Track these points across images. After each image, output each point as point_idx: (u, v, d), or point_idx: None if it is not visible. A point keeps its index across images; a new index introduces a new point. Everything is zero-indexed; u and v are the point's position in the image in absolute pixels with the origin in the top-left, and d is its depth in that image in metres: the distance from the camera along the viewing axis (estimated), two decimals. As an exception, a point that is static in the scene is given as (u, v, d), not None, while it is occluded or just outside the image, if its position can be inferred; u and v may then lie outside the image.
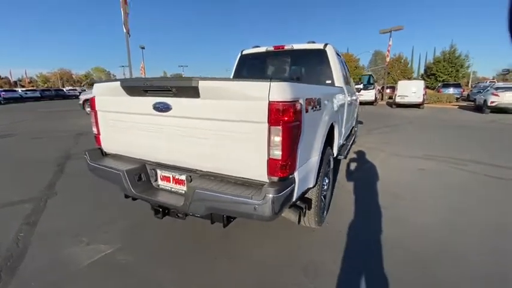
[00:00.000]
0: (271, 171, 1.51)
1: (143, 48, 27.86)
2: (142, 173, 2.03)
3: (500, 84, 14.89)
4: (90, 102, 2.21)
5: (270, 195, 1.42)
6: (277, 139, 1.44)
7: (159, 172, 2.00)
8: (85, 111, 12.53)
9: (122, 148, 2.16)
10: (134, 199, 2.12)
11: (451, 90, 21.64)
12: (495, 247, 2.18)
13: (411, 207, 2.90)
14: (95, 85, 2.17)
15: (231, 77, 4.05)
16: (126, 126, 2.03)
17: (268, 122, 1.43)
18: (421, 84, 15.90)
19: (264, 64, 3.90)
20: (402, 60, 44.13)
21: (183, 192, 1.89)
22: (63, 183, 3.73)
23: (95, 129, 2.25)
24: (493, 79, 44.82)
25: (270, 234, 2.38)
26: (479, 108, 13.32)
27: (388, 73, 44.93)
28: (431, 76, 33.59)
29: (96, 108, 2.17)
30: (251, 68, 3.98)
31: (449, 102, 19.27)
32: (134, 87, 1.83)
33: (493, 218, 2.65)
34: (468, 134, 7.52)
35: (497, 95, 11.70)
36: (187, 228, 2.47)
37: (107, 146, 2.25)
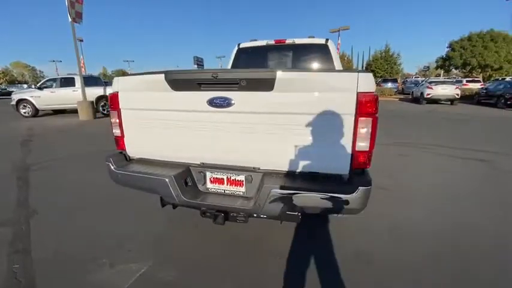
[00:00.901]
0: (355, 163, 1.50)
1: (81, 40, 24.64)
2: (188, 177, 1.81)
3: (433, 78, 17.49)
4: (110, 99, 1.86)
5: (364, 188, 1.41)
6: (365, 130, 1.43)
7: (208, 174, 1.81)
8: (20, 113, 10.59)
9: (155, 151, 1.89)
10: (174, 207, 1.89)
11: (389, 85, 24.50)
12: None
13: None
14: (117, 79, 1.84)
15: (229, 66, 3.88)
16: (165, 126, 1.78)
17: (356, 113, 1.41)
18: None
19: (265, 58, 3.83)
20: (345, 58, 48.33)
21: (241, 193, 1.76)
22: (38, 199, 3.09)
23: (116, 131, 1.92)
24: (416, 75, 52.42)
25: (282, 227, 2.37)
26: (417, 100, 15.44)
27: (335, 70, 48.52)
28: (371, 72, 37.47)
29: (120, 106, 1.85)
30: (250, 61, 3.87)
31: (390, 95, 21.84)
32: (187, 81, 1.61)
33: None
34: (417, 122, 8.69)
35: (431, 88, 13.75)
36: (214, 232, 2.30)
37: (134, 149, 1.94)
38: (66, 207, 2.87)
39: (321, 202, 1.47)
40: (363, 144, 1.46)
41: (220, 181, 1.80)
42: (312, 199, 1.48)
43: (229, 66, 3.92)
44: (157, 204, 1.99)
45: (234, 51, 3.90)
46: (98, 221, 2.57)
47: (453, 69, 31.90)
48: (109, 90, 10.97)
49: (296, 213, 1.66)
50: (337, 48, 26.33)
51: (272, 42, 3.71)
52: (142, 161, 1.95)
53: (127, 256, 2.04)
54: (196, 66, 50.25)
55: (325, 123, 1.49)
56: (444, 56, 31.04)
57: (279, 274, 1.82)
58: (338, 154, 1.52)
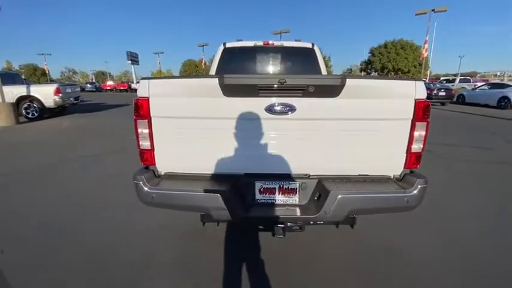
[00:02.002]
0: (409, 164, 1.63)
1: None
2: (237, 191, 1.67)
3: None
4: (139, 106, 1.55)
5: (421, 186, 1.55)
6: (421, 134, 1.57)
7: (258, 185, 1.70)
8: None
9: (193, 164, 1.67)
10: (217, 222, 1.71)
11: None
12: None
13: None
14: (146, 82, 1.54)
15: (214, 70, 3.69)
16: (210, 135, 1.60)
17: (414, 118, 1.53)
18: None
19: (253, 59, 3.75)
20: None
21: (294, 201, 1.71)
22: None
23: (145, 143, 1.62)
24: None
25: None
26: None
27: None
28: (309, 73, 40.68)
29: (152, 114, 1.57)
30: (238, 62, 3.74)
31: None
32: (247, 86, 1.46)
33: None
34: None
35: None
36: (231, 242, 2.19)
37: (165, 164, 1.68)
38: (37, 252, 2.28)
39: (384, 202, 1.55)
40: (417, 146, 1.59)
41: (271, 191, 1.71)
42: (376, 200, 1.54)
43: (214, 66, 3.72)
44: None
45: (220, 51, 3.71)
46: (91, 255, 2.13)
47: (373, 72, 37.14)
48: (35, 89, 9.14)
49: (354, 216, 1.71)
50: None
51: (260, 43, 3.67)
52: (175, 177, 1.70)
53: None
54: (130, 62, 45.87)
55: (384, 127, 1.57)
56: (366, 60, 35.86)
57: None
58: (393, 156, 1.63)
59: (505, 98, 13.45)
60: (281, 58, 3.76)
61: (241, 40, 3.80)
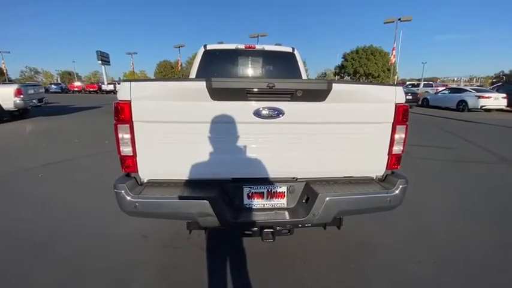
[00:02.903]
0: (390, 165, 1.70)
1: None
2: (225, 196, 1.63)
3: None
4: (119, 109, 1.46)
5: (402, 186, 1.63)
6: (401, 136, 1.65)
7: (246, 190, 1.68)
8: None
9: (178, 170, 1.61)
10: (204, 229, 1.66)
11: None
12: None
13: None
14: (127, 85, 1.46)
15: (194, 72, 3.61)
16: (195, 140, 1.55)
17: (394, 121, 1.61)
18: None
19: (235, 62, 3.73)
20: None
21: (282, 205, 1.72)
22: None
23: (126, 149, 1.53)
24: (319, 80, 61.09)
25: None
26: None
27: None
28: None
29: (134, 119, 1.48)
30: (219, 64, 3.70)
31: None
32: (235, 90, 1.44)
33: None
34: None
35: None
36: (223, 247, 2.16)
37: (148, 170, 1.60)
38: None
39: (369, 202, 1.61)
40: (397, 148, 1.67)
41: (259, 195, 1.70)
42: (362, 201, 1.59)
43: (194, 69, 3.65)
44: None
45: (200, 53, 3.65)
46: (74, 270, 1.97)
47: (346, 76, 38.80)
48: None
49: (341, 217, 1.75)
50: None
51: (242, 46, 3.66)
52: (158, 184, 1.63)
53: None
54: (100, 62, 43.61)
55: (367, 131, 1.63)
56: (340, 65, 37.38)
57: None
58: (376, 158, 1.69)
59: (463, 101, 14.70)
60: (262, 62, 3.78)
61: (222, 43, 3.77)
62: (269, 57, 3.76)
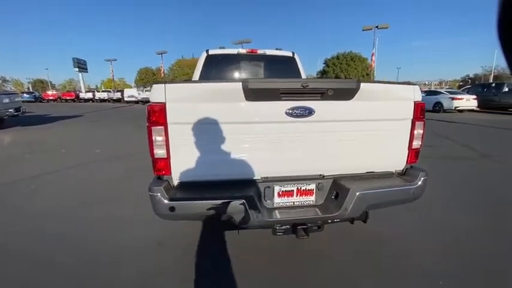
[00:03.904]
0: (410, 159, 1.80)
1: None
2: (259, 195, 1.65)
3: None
4: (153, 112, 1.45)
5: (424, 178, 1.73)
6: (419, 132, 1.76)
7: (277, 188, 1.71)
8: None
9: (211, 170, 1.61)
10: (237, 229, 1.67)
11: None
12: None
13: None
14: (162, 87, 1.46)
15: (197, 77, 3.61)
16: (230, 140, 1.57)
17: (413, 118, 1.72)
18: None
19: (237, 67, 3.78)
20: None
21: (311, 202, 1.77)
22: None
23: (160, 152, 1.51)
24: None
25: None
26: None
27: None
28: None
29: (169, 121, 1.48)
30: (222, 69, 3.73)
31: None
32: (270, 90, 1.48)
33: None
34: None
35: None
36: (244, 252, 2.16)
37: (182, 172, 1.58)
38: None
39: (395, 195, 1.70)
40: (417, 143, 1.78)
41: (289, 194, 1.73)
42: (389, 194, 1.68)
43: (197, 73, 3.64)
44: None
45: (203, 58, 3.65)
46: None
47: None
48: None
49: (367, 211, 1.82)
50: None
51: (244, 51, 3.72)
52: (191, 185, 1.62)
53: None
54: (77, 69, 41.99)
55: (388, 127, 1.73)
56: (321, 70, 38.55)
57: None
58: (397, 153, 1.79)
59: (439, 103, 15.66)
60: (264, 66, 3.85)
61: (224, 48, 3.80)
62: (271, 62, 3.84)
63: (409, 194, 1.71)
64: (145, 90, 29.05)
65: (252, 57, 3.79)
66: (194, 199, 1.49)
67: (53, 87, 67.43)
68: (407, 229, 2.50)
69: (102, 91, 37.68)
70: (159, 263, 2.00)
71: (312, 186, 1.75)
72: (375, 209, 1.83)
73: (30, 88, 60.28)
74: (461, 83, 61.37)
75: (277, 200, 1.73)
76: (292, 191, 1.73)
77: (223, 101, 1.50)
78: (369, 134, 1.71)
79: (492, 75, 49.06)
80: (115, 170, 4.44)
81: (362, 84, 1.56)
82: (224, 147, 1.57)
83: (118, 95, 32.68)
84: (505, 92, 14.85)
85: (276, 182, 1.70)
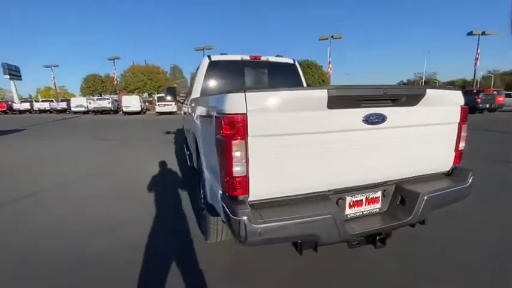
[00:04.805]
0: (456, 160, 1.91)
1: None
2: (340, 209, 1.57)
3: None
4: (232, 123, 1.27)
5: (473, 177, 1.84)
6: (465, 134, 1.88)
7: (348, 199, 1.64)
8: None
9: (287, 186, 1.48)
10: (315, 248, 1.56)
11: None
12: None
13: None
14: (241, 95, 1.29)
15: (200, 83, 3.38)
16: (309, 152, 1.46)
17: (460, 121, 1.83)
18: (137, 98, 24.35)
19: (241, 73, 3.64)
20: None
21: (377, 210, 1.75)
22: None
23: (240, 169, 1.33)
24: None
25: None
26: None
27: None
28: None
29: (251, 134, 1.31)
30: (227, 75, 3.56)
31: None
32: (353, 97, 1.41)
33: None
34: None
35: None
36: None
37: (258, 190, 1.41)
38: None
39: (453, 195, 1.77)
40: (462, 145, 1.89)
41: (359, 203, 1.68)
42: (449, 194, 1.75)
43: (199, 80, 3.40)
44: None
45: (206, 64, 3.42)
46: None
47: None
48: None
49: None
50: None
51: (247, 57, 3.60)
52: (271, 204, 1.46)
53: None
54: (8, 76, 36.40)
55: (441, 131, 1.81)
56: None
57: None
58: (446, 154, 1.88)
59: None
60: (268, 73, 3.79)
61: (226, 54, 3.64)
62: (273, 68, 3.79)
63: (463, 193, 1.80)
64: (98, 99, 26.54)
65: (255, 64, 3.70)
66: (282, 220, 1.33)
67: (-28, 97, 57.14)
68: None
69: (42, 101, 33.24)
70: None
71: (378, 193, 1.72)
72: (435, 210, 1.89)
73: None
74: (397, 87, 69.84)
75: (348, 211, 1.66)
76: (362, 200, 1.69)
77: (304, 109, 1.39)
78: (426, 138, 1.77)
79: (423, 80, 57.06)
80: (98, 189, 3.87)
81: (428, 91, 1.60)
82: (303, 159, 1.45)
83: (63, 104, 29.20)
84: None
85: (347, 193, 1.64)
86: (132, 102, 23.71)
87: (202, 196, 2.20)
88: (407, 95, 1.56)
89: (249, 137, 1.32)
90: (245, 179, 1.36)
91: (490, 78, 48.38)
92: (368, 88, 1.47)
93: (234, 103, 1.30)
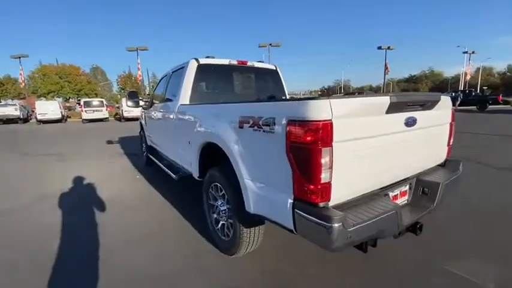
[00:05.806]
0: (447, 154, 2.32)
1: None
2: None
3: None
4: (317, 130, 1.27)
5: (461, 166, 2.27)
6: (453, 131, 2.30)
7: (390, 194, 1.82)
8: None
9: (357, 187, 1.57)
10: (374, 245, 1.68)
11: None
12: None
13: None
14: (326, 102, 1.30)
15: (189, 87, 3.14)
16: (372, 154, 1.58)
17: (451, 121, 2.24)
18: (56, 103, 20.89)
19: (229, 77, 3.54)
20: (133, 78, 47.60)
21: (406, 201, 1.99)
22: None
23: (325, 176, 1.33)
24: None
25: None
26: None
27: (122, 89, 47.53)
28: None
29: (335, 140, 1.33)
30: (216, 80, 3.42)
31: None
32: (405, 103, 1.59)
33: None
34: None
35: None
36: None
37: (337, 194, 1.44)
38: None
39: (455, 182, 2.14)
40: (451, 141, 2.32)
41: (396, 197, 1.88)
42: (455, 181, 2.11)
43: (189, 84, 3.13)
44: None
45: (194, 67, 3.18)
46: None
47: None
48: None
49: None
50: (138, 68, 25.29)
51: (235, 62, 3.51)
52: (345, 206, 1.50)
53: None
54: None
55: (443, 130, 2.18)
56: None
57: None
58: (443, 150, 2.27)
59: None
60: (254, 78, 3.80)
61: (213, 57, 3.48)
62: (259, 74, 3.82)
63: (460, 180, 2.21)
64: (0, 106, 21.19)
65: (242, 69, 3.66)
66: (364, 221, 1.39)
67: None
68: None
69: None
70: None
71: (407, 187, 1.96)
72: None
73: None
74: (319, 92, 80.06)
75: (390, 205, 1.84)
76: (397, 194, 1.89)
77: (368, 114, 1.50)
78: (435, 136, 2.11)
79: (341, 86, 66.08)
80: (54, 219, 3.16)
81: (441, 97, 1.92)
82: (367, 161, 1.56)
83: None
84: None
85: (389, 189, 1.81)
86: (49, 109, 19.64)
87: (231, 208, 2.08)
88: (431, 100, 1.84)
89: (334, 143, 1.34)
90: (329, 185, 1.37)
91: (390, 85, 60.22)
92: (417, 95, 1.68)
93: (320, 110, 1.30)
